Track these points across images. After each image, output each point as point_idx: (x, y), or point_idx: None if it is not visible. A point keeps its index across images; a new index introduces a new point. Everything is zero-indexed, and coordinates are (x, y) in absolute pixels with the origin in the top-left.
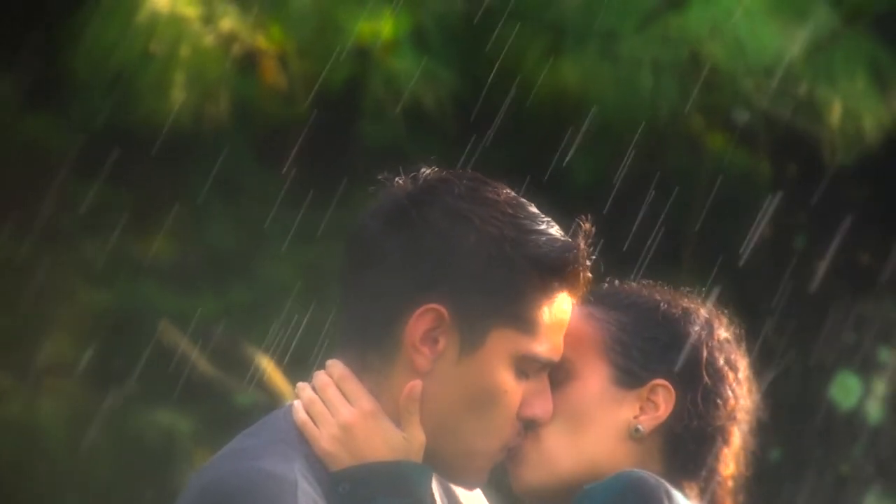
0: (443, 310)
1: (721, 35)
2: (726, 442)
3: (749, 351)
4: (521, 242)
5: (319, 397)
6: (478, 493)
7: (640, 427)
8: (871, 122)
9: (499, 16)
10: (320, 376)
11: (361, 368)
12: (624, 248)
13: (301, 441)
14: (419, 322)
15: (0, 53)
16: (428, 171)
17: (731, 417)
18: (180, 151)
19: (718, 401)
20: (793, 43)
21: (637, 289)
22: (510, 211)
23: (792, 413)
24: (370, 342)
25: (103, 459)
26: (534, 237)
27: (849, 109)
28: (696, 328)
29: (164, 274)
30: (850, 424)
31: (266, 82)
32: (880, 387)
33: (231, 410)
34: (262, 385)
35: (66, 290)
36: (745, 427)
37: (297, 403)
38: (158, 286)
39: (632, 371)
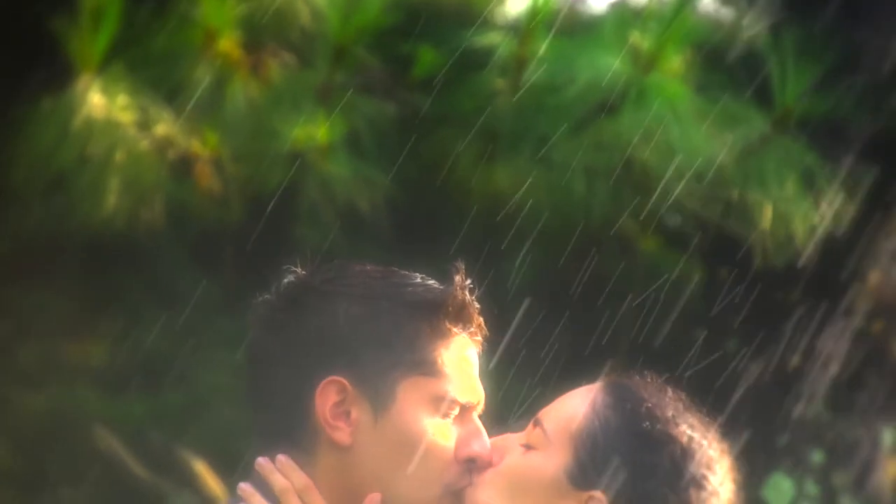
0: (342, 380)
1: (653, 140)
2: None
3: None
4: (395, 294)
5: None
6: None
7: None
8: (802, 226)
9: (432, 120)
10: (279, 480)
11: None
12: (556, 349)
13: None
14: (323, 399)
15: None
16: (293, 270)
17: None
18: (115, 255)
19: None
20: (724, 147)
21: (653, 392)
22: (378, 275)
23: None
24: (286, 440)
25: None
26: (408, 288)
27: (779, 213)
28: (661, 459)
29: (99, 378)
30: None
31: (201, 186)
32: (813, 488)
33: None
34: (197, 489)
35: None
36: None
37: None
38: (92, 390)
39: (585, 472)
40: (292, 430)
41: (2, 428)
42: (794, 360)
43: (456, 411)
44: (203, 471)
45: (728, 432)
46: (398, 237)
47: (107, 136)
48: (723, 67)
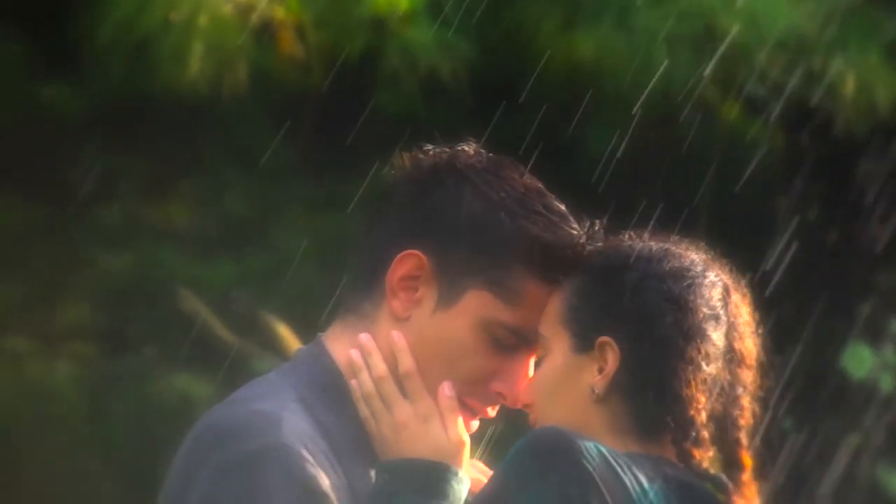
0: (423, 258)
1: (735, 8)
2: (686, 383)
3: (761, 322)
4: (519, 215)
5: (377, 390)
6: None
7: (594, 388)
8: (884, 95)
9: None
10: (379, 366)
11: (356, 316)
12: (636, 217)
13: (294, 387)
14: (399, 266)
15: (16, 19)
16: (465, 145)
17: (681, 356)
18: (198, 119)
19: (661, 344)
20: (807, 16)
21: (602, 245)
22: (521, 190)
23: (804, 383)
24: (362, 288)
25: (120, 423)
26: (535, 216)
27: (862, 82)
28: (629, 275)
29: (182, 241)
30: (863, 394)
31: (283, 52)
32: (892, 357)
33: (248, 376)
34: (279, 350)
35: (83, 255)
36: (715, 355)
37: (355, 385)
38: (176, 253)
39: (584, 335)
40: (369, 286)
41: (86, 288)
42: (876, 228)
43: (512, 344)
44: (286, 333)
45: (807, 301)
46: (478, 104)
47: (190, 1)
48: None
